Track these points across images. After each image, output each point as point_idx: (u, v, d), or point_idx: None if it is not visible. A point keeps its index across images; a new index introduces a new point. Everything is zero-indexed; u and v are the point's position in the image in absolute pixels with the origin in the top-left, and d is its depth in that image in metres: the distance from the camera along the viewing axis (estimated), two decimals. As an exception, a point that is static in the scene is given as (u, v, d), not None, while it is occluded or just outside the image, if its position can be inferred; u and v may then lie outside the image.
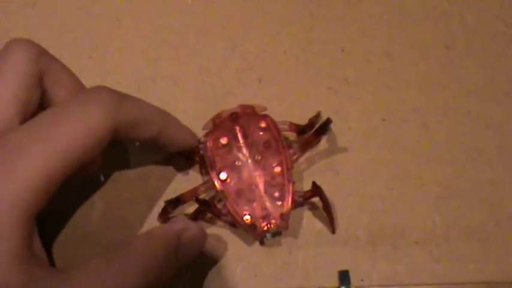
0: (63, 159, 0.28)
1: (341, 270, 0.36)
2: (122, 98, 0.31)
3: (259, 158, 0.37)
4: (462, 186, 0.38)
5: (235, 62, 0.41)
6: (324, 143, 0.40)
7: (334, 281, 0.36)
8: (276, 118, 0.38)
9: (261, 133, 0.37)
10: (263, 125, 0.37)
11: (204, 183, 0.37)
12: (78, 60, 0.41)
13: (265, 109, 0.38)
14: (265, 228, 0.35)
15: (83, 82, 0.35)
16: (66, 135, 0.29)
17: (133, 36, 0.40)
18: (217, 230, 0.37)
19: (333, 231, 0.38)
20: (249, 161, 0.37)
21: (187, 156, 0.38)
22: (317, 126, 0.38)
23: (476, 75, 0.41)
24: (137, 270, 0.29)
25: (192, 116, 0.40)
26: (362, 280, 0.36)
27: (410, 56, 0.42)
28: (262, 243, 0.37)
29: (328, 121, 0.37)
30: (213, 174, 0.36)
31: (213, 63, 0.42)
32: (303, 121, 0.39)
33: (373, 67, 0.42)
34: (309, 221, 0.38)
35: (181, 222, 0.33)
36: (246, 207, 0.36)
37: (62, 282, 0.28)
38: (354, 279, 0.36)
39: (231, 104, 0.39)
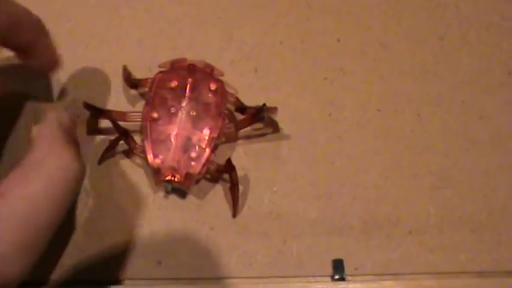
0: None
1: (335, 259, 0.37)
2: None
3: (194, 114, 0.37)
4: (456, 176, 0.39)
5: (232, 51, 0.41)
6: (321, 134, 0.40)
7: (328, 270, 0.37)
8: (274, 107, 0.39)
9: (209, 95, 0.38)
10: (213, 87, 0.38)
11: (135, 112, 0.38)
12: (75, 49, 0.41)
13: (222, 75, 0.39)
14: (168, 178, 0.36)
15: (80, 71, 0.35)
16: None
17: (130, 26, 0.40)
18: (212, 220, 0.37)
19: (234, 215, 0.38)
20: (184, 113, 0.37)
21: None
22: (253, 110, 0.38)
23: (470, 67, 0.42)
24: (52, 177, 0.30)
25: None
26: (356, 269, 0.37)
27: (405, 47, 0.42)
28: (166, 192, 0.38)
29: (262, 108, 0.37)
30: (147, 109, 0.37)
31: (209, 52, 0.42)
32: (297, 114, 0.39)
33: (369, 58, 0.42)
34: (304, 211, 0.38)
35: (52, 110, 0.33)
36: (161, 152, 0.37)
37: None
38: (347, 268, 0.36)
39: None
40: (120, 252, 0.36)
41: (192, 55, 0.39)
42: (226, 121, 0.38)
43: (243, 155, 0.39)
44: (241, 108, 0.39)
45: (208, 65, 0.39)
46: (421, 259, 0.37)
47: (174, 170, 0.36)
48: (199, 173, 0.37)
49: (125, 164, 0.39)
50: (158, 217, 0.37)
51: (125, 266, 0.36)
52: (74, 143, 0.32)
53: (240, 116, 0.39)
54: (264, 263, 0.37)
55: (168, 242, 0.37)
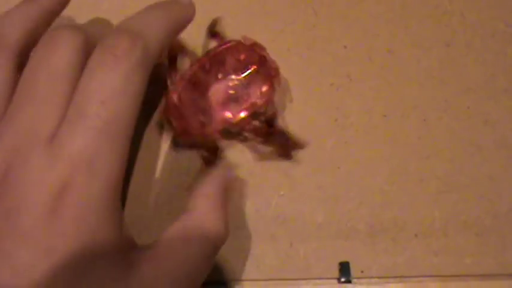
0: (127, 142, 0.29)
1: (341, 262, 0.37)
2: (144, 38, 0.30)
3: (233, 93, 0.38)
4: (461, 181, 0.39)
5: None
6: (327, 139, 0.40)
7: (335, 272, 0.37)
8: (279, 114, 0.39)
9: (257, 93, 0.38)
10: (264, 89, 0.38)
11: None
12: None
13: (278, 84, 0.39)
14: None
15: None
16: (122, 120, 0.29)
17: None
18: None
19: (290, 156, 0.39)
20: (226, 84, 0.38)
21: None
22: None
23: (476, 73, 0.42)
24: (211, 233, 0.31)
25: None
26: (362, 272, 0.37)
27: (411, 54, 0.43)
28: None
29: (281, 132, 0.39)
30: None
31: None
32: (304, 119, 0.40)
33: (375, 64, 0.42)
34: (310, 215, 0.38)
35: (218, 170, 0.35)
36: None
37: (155, 263, 0.29)
38: (354, 271, 0.37)
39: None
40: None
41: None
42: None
43: (251, 159, 0.39)
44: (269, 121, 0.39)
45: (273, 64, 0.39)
46: (427, 262, 0.37)
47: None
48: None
49: (133, 169, 0.39)
50: (167, 221, 0.38)
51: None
52: (226, 205, 0.33)
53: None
54: (271, 265, 0.37)
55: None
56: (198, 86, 0.37)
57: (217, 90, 0.38)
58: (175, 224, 0.31)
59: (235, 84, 0.38)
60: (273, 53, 0.42)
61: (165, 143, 0.40)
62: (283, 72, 0.40)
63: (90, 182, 0.27)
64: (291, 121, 0.40)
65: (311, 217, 0.38)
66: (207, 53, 0.38)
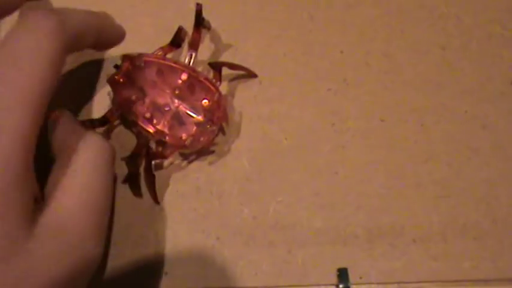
0: (36, 101, 0.29)
1: (340, 268, 0.37)
2: (60, 15, 0.31)
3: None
4: (459, 185, 0.39)
5: (236, 63, 0.42)
6: (324, 144, 0.40)
7: (333, 278, 0.37)
8: (276, 119, 0.39)
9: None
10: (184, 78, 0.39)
11: None
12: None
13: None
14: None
15: (86, 70, 0.36)
16: (30, 78, 0.29)
17: (134, 37, 0.40)
18: (217, 229, 0.38)
19: (255, 75, 0.41)
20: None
21: None
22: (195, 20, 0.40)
23: (472, 76, 0.42)
24: (94, 159, 0.32)
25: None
26: (360, 278, 0.37)
27: (408, 58, 0.43)
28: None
29: (198, 7, 0.39)
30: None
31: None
32: (301, 124, 0.40)
33: (372, 68, 0.42)
34: (308, 221, 0.38)
35: None
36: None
37: (51, 210, 0.29)
38: (352, 277, 0.37)
39: (231, 106, 0.40)
40: (126, 264, 0.37)
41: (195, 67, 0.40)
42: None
43: (247, 165, 0.39)
44: (173, 41, 0.40)
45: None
46: (425, 267, 0.37)
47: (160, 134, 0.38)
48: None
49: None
50: (164, 228, 0.38)
51: (131, 277, 0.37)
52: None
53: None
54: (269, 272, 0.37)
55: (174, 252, 0.37)
56: (145, 76, 0.39)
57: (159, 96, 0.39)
58: (53, 168, 0.32)
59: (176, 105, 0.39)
60: (269, 58, 0.42)
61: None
62: (280, 77, 0.41)
63: None
64: (287, 126, 0.40)
65: (309, 223, 0.38)
66: (187, 65, 0.39)
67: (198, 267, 0.37)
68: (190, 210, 0.38)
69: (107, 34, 0.36)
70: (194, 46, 0.39)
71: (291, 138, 0.40)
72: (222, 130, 0.40)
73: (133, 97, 0.38)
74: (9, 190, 0.27)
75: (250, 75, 0.41)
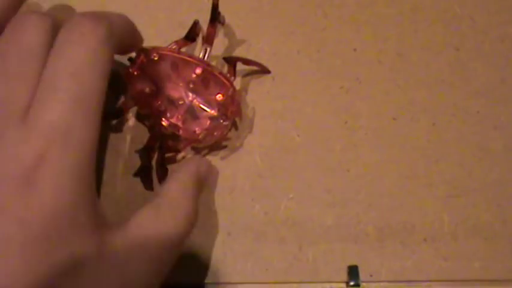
0: (98, 115, 0.29)
1: (350, 265, 0.37)
2: (109, 22, 0.31)
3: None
4: (470, 185, 0.39)
5: (250, 59, 0.42)
6: (336, 141, 0.40)
7: (344, 276, 0.37)
8: (289, 116, 0.39)
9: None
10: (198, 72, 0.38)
11: None
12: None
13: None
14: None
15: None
16: (92, 92, 0.29)
17: (147, 33, 0.40)
18: (228, 225, 0.38)
19: (268, 71, 0.41)
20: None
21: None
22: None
23: (485, 77, 0.42)
24: (181, 216, 0.32)
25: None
26: (371, 276, 0.37)
27: (421, 57, 0.43)
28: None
29: (215, 1, 0.39)
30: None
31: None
32: (314, 122, 0.40)
33: (385, 67, 0.42)
34: (319, 218, 0.38)
35: (194, 160, 0.37)
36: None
37: (126, 238, 0.30)
38: (362, 275, 0.37)
39: (245, 102, 0.40)
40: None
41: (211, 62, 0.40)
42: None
43: (259, 161, 0.39)
44: (188, 36, 0.40)
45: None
46: (435, 266, 0.37)
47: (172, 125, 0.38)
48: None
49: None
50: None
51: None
52: (199, 192, 0.35)
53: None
54: (280, 268, 0.37)
55: (185, 247, 0.37)
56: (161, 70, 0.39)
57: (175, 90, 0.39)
58: (147, 205, 0.32)
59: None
60: (283, 55, 0.42)
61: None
62: (293, 74, 0.41)
63: (65, 154, 0.27)
64: (300, 123, 0.40)
65: (320, 220, 0.38)
66: (201, 60, 0.39)
67: (209, 262, 0.37)
68: (202, 206, 0.38)
69: (136, 38, 0.37)
70: (209, 41, 0.39)
71: (304, 135, 0.40)
72: (234, 125, 0.40)
73: (148, 90, 0.37)
74: (77, 207, 0.27)
75: (264, 71, 0.41)
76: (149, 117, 0.38)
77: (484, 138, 0.40)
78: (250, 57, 0.41)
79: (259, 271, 0.37)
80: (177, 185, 0.34)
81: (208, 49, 0.39)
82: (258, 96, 0.41)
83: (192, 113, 0.39)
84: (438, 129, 0.40)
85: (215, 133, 0.38)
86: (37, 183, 0.26)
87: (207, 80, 0.38)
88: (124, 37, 0.34)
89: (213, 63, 0.41)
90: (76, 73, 0.29)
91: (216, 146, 0.39)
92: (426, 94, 0.41)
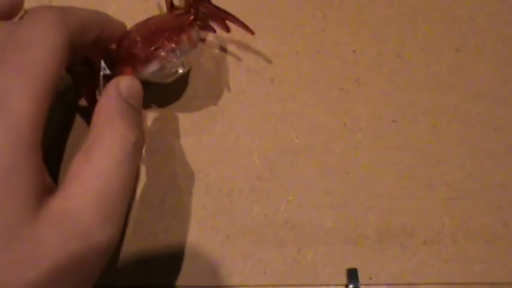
0: (42, 85, 0.29)
1: (349, 268, 0.37)
2: (63, 10, 0.32)
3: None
4: (471, 187, 0.39)
5: (249, 61, 0.42)
6: (336, 143, 0.40)
7: (343, 279, 0.37)
8: (288, 118, 0.39)
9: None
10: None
11: None
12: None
13: None
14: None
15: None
16: (36, 63, 0.29)
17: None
18: (227, 227, 0.38)
19: (252, 32, 0.40)
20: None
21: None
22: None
23: (486, 79, 0.42)
24: (112, 149, 0.31)
25: (204, 113, 0.40)
26: (370, 278, 0.37)
27: (421, 59, 0.42)
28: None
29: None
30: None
31: (226, 62, 0.42)
32: (313, 123, 0.40)
33: (385, 69, 0.42)
34: (319, 220, 0.38)
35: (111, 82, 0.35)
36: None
37: (63, 197, 0.29)
38: (362, 278, 0.37)
39: (244, 103, 0.40)
40: (135, 260, 0.37)
41: (209, 64, 0.40)
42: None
43: (258, 163, 0.39)
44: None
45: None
46: (436, 269, 0.37)
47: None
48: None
49: (141, 172, 0.39)
50: (174, 225, 0.38)
51: (140, 273, 0.36)
52: (132, 110, 0.33)
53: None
54: (279, 271, 0.37)
55: (184, 250, 0.37)
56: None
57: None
58: (80, 150, 0.31)
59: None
60: (282, 56, 0.42)
61: (174, 148, 0.39)
62: (292, 75, 0.41)
63: (2, 118, 0.27)
64: (299, 125, 0.40)
65: (319, 223, 0.38)
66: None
67: (207, 265, 0.37)
68: (200, 208, 0.38)
69: (109, 29, 0.37)
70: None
71: (303, 137, 0.40)
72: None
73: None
74: (13, 172, 0.27)
75: (243, 28, 0.40)
76: None
77: (484, 140, 0.40)
78: (249, 59, 0.41)
79: (258, 274, 0.37)
80: (98, 110, 0.32)
81: None
82: (257, 98, 0.41)
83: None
84: (438, 131, 0.40)
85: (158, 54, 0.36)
86: None
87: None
88: (87, 26, 0.35)
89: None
90: (23, 48, 0.29)
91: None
92: (426, 96, 0.41)
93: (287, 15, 0.44)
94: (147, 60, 0.36)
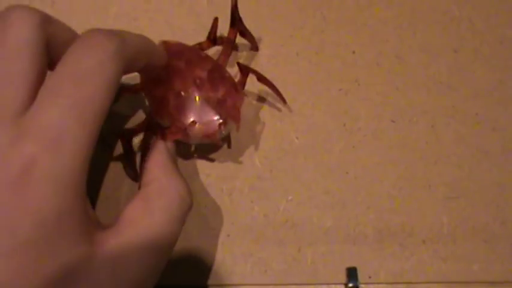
0: (96, 126, 0.28)
1: (349, 267, 0.37)
2: (120, 38, 0.30)
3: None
4: (469, 187, 0.39)
5: (248, 63, 0.42)
6: (335, 143, 0.40)
7: (342, 277, 0.37)
8: (288, 118, 0.39)
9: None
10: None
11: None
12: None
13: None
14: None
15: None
16: (93, 102, 0.28)
17: (149, 37, 0.41)
18: (227, 227, 0.38)
19: (284, 101, 0.40)
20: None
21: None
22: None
23: (484, 79, 0.42)
24: (172, 206, 0.32)
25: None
26: (369, 277, 0.37)
27: (420, 59, 0.43)
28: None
29: (233, 5, 0.38)
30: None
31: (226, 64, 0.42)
32: (313, 124, 0.40)
33: (384, 69, 0.42)
34: (318, 220, 0.38)
35: (157, 141, 0.35)
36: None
37: (118, 238, 0.29)
38: (361, 277, 0.37)
39: (244, 105, 0.40)
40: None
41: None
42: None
43: (259, 164, 0.39)
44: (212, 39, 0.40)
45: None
46: (434, 268, 0.37)
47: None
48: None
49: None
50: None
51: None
52: (179, 170, 0.34)
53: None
54: (279, 270, 0.37)
55: (185, 249, 0.37)
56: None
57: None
58: (136, 197, 0.32)
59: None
60: (282, 57, 0.42)
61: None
62: (292, 76, 0.41)
63: (57, 159, 0.26)
64: (299, 125, 0.40)
65: (319, 222, 0.38)
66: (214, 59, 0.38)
67: (208, 264, 0.37)
68: (201, 207, 0.38)
69: (155, 58, 0.36)
70: (228, 44, 0.39)
71: (303, 137, 0.40)
72: (228, 142, 0.40)
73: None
74: (64, 215, 0.26)
75: (279, 96, 0.40)
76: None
77: (482, 140, 0.40)
78: (249, 61, 0.41)
79: (258, 273, 0.37)
80: (156, 164, 0.34)
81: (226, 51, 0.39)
82: (257, 99, 0.41)
83: (190, 106, 0.38)
84: (437, 131, 0.41)
85: (205, 130, 0.37)
86: (25, 190, 0.26)
87: (215, 79, 0.38)
88: (140, 56, 0.33)
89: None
90: (79, 81, 0.28)
91: (208, 146, 0.40)
92: (425, 96, 0.42)
93: (287, 16, 0.44)
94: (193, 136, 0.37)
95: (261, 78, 0.39)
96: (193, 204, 0.36)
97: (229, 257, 0.37)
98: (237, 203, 0.38)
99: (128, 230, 0.30)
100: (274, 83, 0.40)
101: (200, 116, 0.37)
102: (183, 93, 0.37)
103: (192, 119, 0.37)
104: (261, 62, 0.42)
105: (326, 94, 0.42)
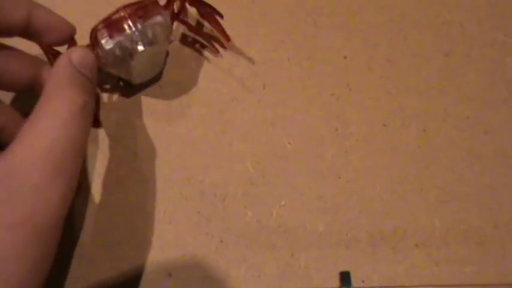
0: None
1: (342, 271, 0.37)
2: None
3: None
4: (461, 190, 0.39)
5: (241, 68, 0.42)
6: (327, 148, 0.40)
7: (336, 282, 0.37)
8: (280, 124, 0.39)
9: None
10: None
11: None
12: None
13: None
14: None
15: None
16: None
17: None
18: (221, 232, 0.38)
19: (228, 39, 0.41)
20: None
21: None
22: None
23: (475, 83, 0.42)
24: (58, 110, 0.31)
25: (198, 120, 0.41)
26: (363, 281, 0.37)
27: (411, 64, 0.43)
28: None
29: None
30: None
31: (218, 69, 0.42)
32: (305, 129, 0.40)
33: (375, 74, 0.42)
34: (311, 224, 0.38)
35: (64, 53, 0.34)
36: None
37: (10, 154, 0.29)
38: (354, 281, 0.37)
39: (236, 110, 0.40)
40: (131, 265, 0.37)
41: (202, 72, 0.40)
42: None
43: (251, 170, 0.39)
44: None
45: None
46: (427, 271, 0.37)
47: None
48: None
49: (136, 178, 0.39)
50: (168, 230, 0.38)
51: (136, 278, 0.37)
52: (83, 78, 0.33)
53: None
54: (272, 275, 0.37)
55: (178, 254, 0.37)
56: None
57: None
58: (28, 119, 0.31)
59: None
60: (274, 63, 0.42)
61: (169, 154, 0.40)
62: (284, 82, 0.41)
63: None
64: (291, 131, 0.40)
65: (312, 227, 0.38)
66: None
67: (202, 269, 0.37)
68: (194, 213, 0.38)
69: (42, 18, 0.35)
70: None
71: (295, 142, 0.40)
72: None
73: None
74: None
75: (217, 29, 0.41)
76: None
77: (474, 143, 0.41)
78: (240, 65, 0.42)
79: (251, 278, 0.37)
80: (49, 76, 0.33)
81: None
82: (249, 105, 0.41)
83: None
84: (429, 135, 0.41)
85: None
86: None
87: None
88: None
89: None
90: None
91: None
92: (416, 100, 0.42)
93: (278, 22, 0.44)
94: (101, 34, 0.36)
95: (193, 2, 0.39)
96: (187, 210, 0.36)
97: (223, 263, 0.37)
98: (230, 209, 0.38)
99: (16, 146, 0.29)
100: (266, 88, 0.40)
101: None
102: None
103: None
104: (253, 68, 0.42)
105: (318, 99, 0.42)
